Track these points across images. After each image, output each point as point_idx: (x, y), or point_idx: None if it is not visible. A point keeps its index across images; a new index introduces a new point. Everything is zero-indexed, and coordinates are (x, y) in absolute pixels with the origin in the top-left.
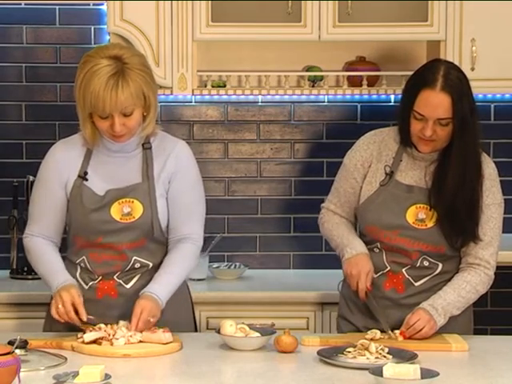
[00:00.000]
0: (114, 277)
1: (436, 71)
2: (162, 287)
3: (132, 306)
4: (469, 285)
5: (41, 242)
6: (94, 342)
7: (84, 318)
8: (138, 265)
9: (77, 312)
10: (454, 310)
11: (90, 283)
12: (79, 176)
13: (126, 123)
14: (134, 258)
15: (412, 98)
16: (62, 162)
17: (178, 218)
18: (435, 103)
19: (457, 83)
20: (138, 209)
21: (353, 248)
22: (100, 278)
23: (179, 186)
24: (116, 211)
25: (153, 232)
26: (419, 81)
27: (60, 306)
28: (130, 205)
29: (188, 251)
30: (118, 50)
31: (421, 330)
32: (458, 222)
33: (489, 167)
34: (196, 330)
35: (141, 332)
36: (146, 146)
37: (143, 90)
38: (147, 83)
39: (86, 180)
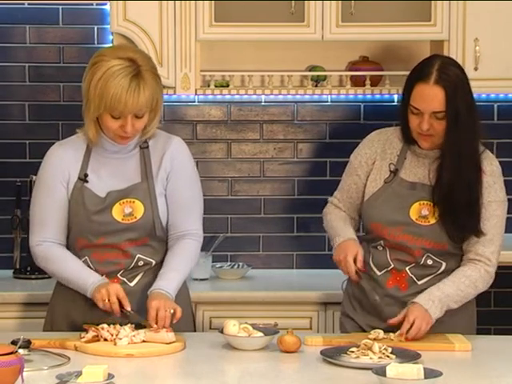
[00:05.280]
0: (118, 275)
1: (431, 65)
2: (168, 282)
3: (137, 304)
4: (468, 279)
5: (59, 248)
6: (97, 340)
7: (128, 308)
8: (141, 262)
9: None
10: (452, 303)
11: None
12: (79, 178)
13: (135, 125)
14: (138, 255)
15: (408, 92)
16: (62, 162)
17: (178, 214)
18: (429, 96)
19: (452, 77)
20: (139, 209)
21: (341, 235)
22: (103, 276)
23: (177, 183)
24: (117, 212)
25: (155, 231)
26: (415, 75)
27: (106, 299)
28: (131, 205)
29: (190, 247)
30: (131, 52)
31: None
32: (458, 218)
33: (492, 164)
34: (195, 329)
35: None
36: (143, 146)
37: (156, 93)
38: (158, 86)
39: (87, 182)
